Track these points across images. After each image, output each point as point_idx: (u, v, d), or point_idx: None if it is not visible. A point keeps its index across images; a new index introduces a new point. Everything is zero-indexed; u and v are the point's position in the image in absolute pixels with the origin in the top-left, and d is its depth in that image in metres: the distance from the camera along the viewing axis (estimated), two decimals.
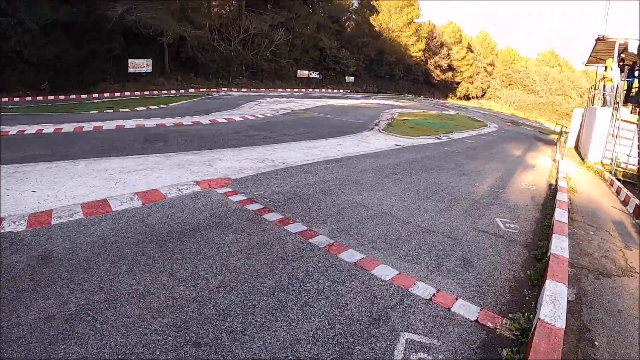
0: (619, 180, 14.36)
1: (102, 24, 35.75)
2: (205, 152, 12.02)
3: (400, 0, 67.38)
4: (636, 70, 20.34)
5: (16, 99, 30.70)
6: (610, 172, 15.21)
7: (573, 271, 6.05)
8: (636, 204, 10.63)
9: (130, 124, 16.84)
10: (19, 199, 7.14)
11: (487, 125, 32.23)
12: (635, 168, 15.77)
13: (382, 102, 43.43)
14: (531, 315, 4.51)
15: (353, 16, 73.43)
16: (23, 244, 5.47)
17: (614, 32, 19.42)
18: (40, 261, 5.03)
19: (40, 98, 31.74)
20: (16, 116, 20.77)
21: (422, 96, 73.89)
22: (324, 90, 56.60)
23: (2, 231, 5.85)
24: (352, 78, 63.88)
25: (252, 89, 46.73)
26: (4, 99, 29.83)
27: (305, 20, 56.36)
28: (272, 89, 49.29)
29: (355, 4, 73.59)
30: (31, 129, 15.04)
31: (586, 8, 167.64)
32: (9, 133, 14.48)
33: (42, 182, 8.25)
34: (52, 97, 32.28)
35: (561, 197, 9.79)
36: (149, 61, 40.59)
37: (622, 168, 15.88)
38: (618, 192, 12.62)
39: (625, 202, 11.56)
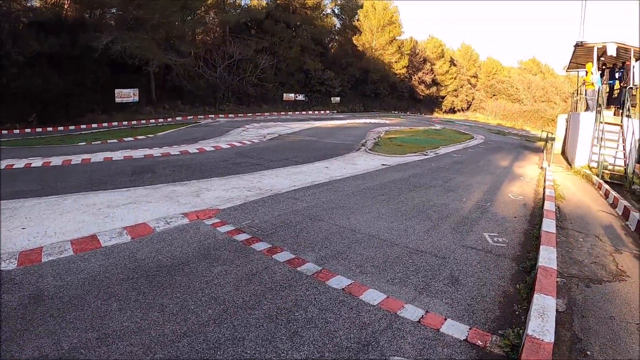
0: (606, 182, 14.48)
1: (88, 55, 35.96)
2: (193, 182, 12.03)
3: (382, 19, 67.96)
4: (616, 72, 20.57)
5: (4, 131, 30.68)
6: (597, 175, 15.33)
7: (563, 281, 6.10)
8: (625, 206, 10.72)
9: (118, 155, 16.90)
10: (9, 236, 7.14)
11: (473, 137, 32.33)
12: (622, 169, 15.90)
13: (368, 121, 43.63)
14: (521, 331, 4.51)
15: (336, 37, 73.99)
16: (14, 282, 5.49)
17: (592, 37, 19.72)
18: (32, 300, 5.04)
19: (28, 130, 31.78)
20: (4, 150, 20.73)
21: (408, 112, 74.23)
22: (310, 112, 56.76)
23: None
24: (338, 98, 64.14)
25: (239, 115, 46.87)
26: None
27: (289, 44, 56.74)
28: (259, 114, 49.44)
29: (338, 25, 74.26)
30: (19, 163, 15.11)
31: (564, 14, 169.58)
32: None
33: (32, 218, 8.26)
34: (40, 129, 32.28)
35: (548, 206, 9.87)
36: (136, 90, 40.86)
37: (609, 170, 16.04)
38: (606, 195, 12.71)
39: (614, 205, 11.66)
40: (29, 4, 39.04)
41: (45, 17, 37.19)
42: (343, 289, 5.53)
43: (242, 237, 7.34)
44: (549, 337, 4.15)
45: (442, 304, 5.26)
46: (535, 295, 4.95)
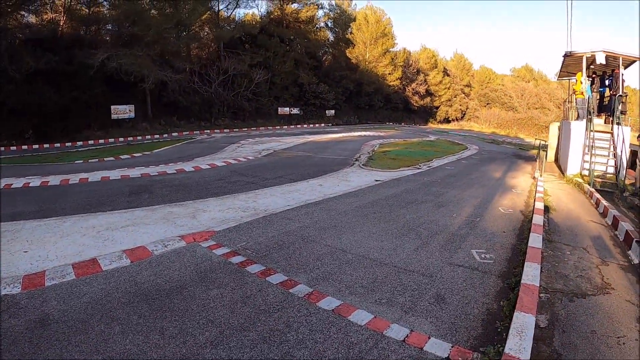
0: (598, 190, 14.67)
1: (84, 72, 36.12)
2: (189, 202, 12.17)
3: (375, 31, 68.23)
4: (606, 80, 20.85)
5: (1, 148, 30.79)
6: (589, 184, 15.51)
7: (547, 296, 6.23)
8: (614, 216, 10.90)
9: (115, 174, 16.99)
10: (12, 260, 7.31)
11: (467, 148, 32.52)
12: (614, 176, 16.11)
13: (363, 133, 43.75)
14: (501, 348, 4.63)
15: (329, 50, 74.11)
16: (20, 307, 5.63)
17: (581, 46, 19.99)
18: (38, 324, 5.18)
19: (25, 147, 31.78)
20: (2, 168, 20.86)
21: (402, 123, 74.25)
22: (305, 125, 56.78)
23: None
24: (332, 111, 64.22)
25: (234, 130, 46.91)
26: None
27: (283, 58, 56.85)
28: (254, 128, 49.47)
29: (331, 38, 74.46)
30: (18, 183, 15.27)
31: (556, 20, 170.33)
32: None
33: (33, 241, 8.40)
34: (36, 146, 32.32)
35: (537, 220, 10.02)
36: (132, 107, 41.01)
37: (601, 178, 16.25)
38: (597, 204, 12.86)
39: (604, 214, 11.82)
40: (25, 21, 39.25)
41: (42, 34, 37.43)
42: (333, 310, 5.69)
43: (237, 259, 7.51)
44: (525, 355, 4.34)
45: (427, 322, 5.43)
46: (515, 314, 5.13)
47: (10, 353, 4.58)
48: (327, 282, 6.60)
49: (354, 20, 70.38)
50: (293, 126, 55.14)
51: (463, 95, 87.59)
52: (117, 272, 6.90)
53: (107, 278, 6.66)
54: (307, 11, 62.43)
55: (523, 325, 4.87)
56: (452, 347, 4.90)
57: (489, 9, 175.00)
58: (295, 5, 61.79)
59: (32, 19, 40.31)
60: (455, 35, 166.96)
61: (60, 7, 40.33)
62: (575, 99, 20.46)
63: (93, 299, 5.92)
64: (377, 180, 16.11)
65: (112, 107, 39.64)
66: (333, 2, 74.26)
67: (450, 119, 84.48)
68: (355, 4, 76.35)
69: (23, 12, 38.64)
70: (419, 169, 19.88)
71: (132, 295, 6.05)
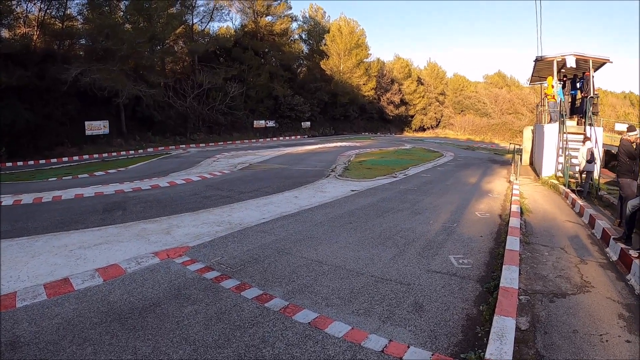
0: (573, 191, 14.80)
1: (57, 87, 35.72)
2: (164, 218, 12.01)
3: (348, 42, 68.62)
4: (577, 82, 21.14)
5: None
6: (564, 185, 15.63)
7: (527, 298, 6.23)
8: (590, 215, 11.00)
9: (89, 191, 16.72)
10: None
11: (442, 155, 32.84)
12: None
13: (339, 144, 43.96)
14: (482, 353, 4.57)
15: (304, 62, 74.45)
16: None
17: (551, 51, 20.21)
18: (9, 347, 5.04)
19: None
20: None
21: (379, 133, 74.82)
22: (281, 138, 56.87)
23: None
24: (308, 123, 64.42)
25: (210, 144, 46.79)
26: None
27: (258, 71, 56.94)
28: (230, 142, 49.44)
29: (306, 50, 74.79)
30: None
31: (526, 26, 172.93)
32: None
33: (4, 261, 8.20)
34: (10, 164, 31.81)
35: (513, 222, 10.07)
36: (106, 122, 40.70)
37: (575, 178, 16.39)
38: (573, 204, 13.00)
39: (580, 214, 11.95)
40: None
41: (14, 48, 36.85)
42: (309, 323, 5.58)
43: (212, 274, 7.39)
44: (507, 358, 4.28)
45: (406, 331, 5.34)
46: (495, 318, 5.08)
47: None
48: (303, 295, 6.50)
49: (328, 32, 70.86)
50: (269, 139, 55.19)
51: (437, 103, 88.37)
52: (89, 292, 6.74)
53: (79, 298, 6.50)
54: (281, 24, 62.59)
55: (503, 329, 4.82)
56: (432, 355, 4.82)
57: (461, 16, 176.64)
58: (269, 18, 61.95)
59: (4, 33, 39.78)
60: (428, 44, 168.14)
61: (33, 22, 39.92)
62: (548, 102, 20.71)
63: (65, 319, 5.76)
64: (353, 190, 16.10)
65: (86, 122, 39.30)
66: (307, 14, 74.89)
67: (425, 127, 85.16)
68: (329, 16, 76.64)
69: None
70: (395, 177, 19.94)
71: (104, 315, 5.90)
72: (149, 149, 41.09)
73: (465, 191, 16.41)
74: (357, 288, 6.73)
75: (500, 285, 6.09)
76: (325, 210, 12.76)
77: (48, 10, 39.97)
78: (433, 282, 6.97)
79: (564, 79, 22.34)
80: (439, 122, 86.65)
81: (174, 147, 43.39)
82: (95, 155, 36.49)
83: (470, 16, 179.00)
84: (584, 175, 15.76)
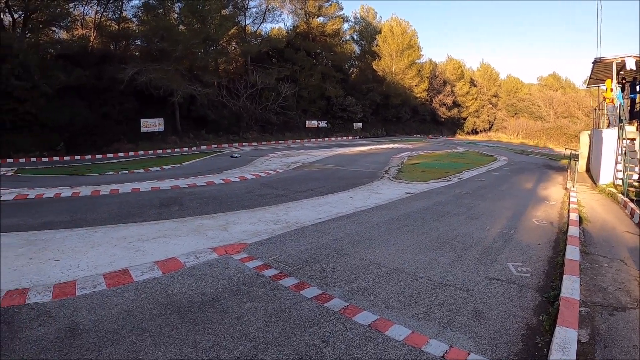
0: (632, 200, 14.32)
1: (114, 86, 37.20)
2: (220, 215, 12.21)
3: (401, 43, 68.26)
4: (637, 85, 20.50)
5: (32, 159, 31.76)
6: (622, 194, 15.18)
7: (587, 310, 6.07)
8: None
9: (145, 186, 17.18)
10: (43, 269, 7.40)
11: (496, 159, 32.29)
12: None
13: (391, 146, 43.75)
14: None
15: (356, 63, 74.69)
16: (50, 315, 5.65)
17: (611, 52, 19.63)
18: (69, 333, 5.16)
19: (56, 158, 32.81)
20: (33, 178, 21.52)
21: (430, 135, 74.12)
22: (333, 138, 57.10)
23: (28, 302, 6.06)
24: (360, 124, 64.47)
25: (262, 143, 47.39)
26: (20, 160, 30.99)
27: (310, 71, 57.35)
28: (282, 142, 49.96)
29: (357, 51, 74.84)
30: (49, 193, 15.57)
31: (582, 25, 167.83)
32: (28, 197, 15.04)
33: (64, 251, 8.50)
34: (67, 158, 33.31)
35: (572, 231, 9.85)
36: (161, 120, 41.96)
37: (634, 187, 15.87)
38: (632, 215, 12.56)
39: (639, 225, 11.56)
40: (56, 37, 40.49)
41: (72, 49, 38.48)
42: (369, 324, 5.57)
43: (270, 272, 7.45)
44: None
45: (466, 338, 5.29)
46: (557, 328, 5.01)
47: None
48: (362, 296, 6.49)
49: (380, 32, 70.86)
50: (321, 139, 55.46)
51: (490, 105, 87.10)
52: (148, 283, 6.90)
53: (139, 289, 6.66)
54: (333, 24, 62.82)
55: (565, 340, 4.76)
56: None
57: (513, 16, 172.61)
58: (321, 19, 62.35)
59: (63, 34, 41.46)
60: (481, 44, 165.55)
61: (90, 24, 41.48)
62: (606, 106, 20.16)
63: (124, 309, 5.92)
64: (407, 193, 15.97)
65: (142, 120, 40.59)
66: (358, 15, 75.11)
67: (478, 130, 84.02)
68: (381, 17, 76.50)
69: (54, 28, 39.96)
70: (449, 181, 19.72)
71: (164, 307, 6.02)
72: (202, 147, 42.00)
73: (521, 197, 16.12)
74: (416, 292, 6.69)
75: (561, 295, 6.00)
76: (381, 212, 12.69)
77: (104, 13, 41.60)
78: (492, 289, 6.88)
79: (623, 81, 21.69)
80: (492, 125, 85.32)
81: (226, 145, 44.21)
82: (150, 152, 37.59)
83: (524, 15, 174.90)
84: None
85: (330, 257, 8.40)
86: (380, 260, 8.20)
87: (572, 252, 8.09)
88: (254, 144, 46.55)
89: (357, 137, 60.89)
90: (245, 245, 9.11)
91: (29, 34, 37.01)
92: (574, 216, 11.62)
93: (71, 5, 39.36)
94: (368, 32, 74.06)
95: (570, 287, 6.27)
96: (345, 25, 69.44)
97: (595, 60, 20.58)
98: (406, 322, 5.68)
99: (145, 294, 6.48)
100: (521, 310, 6.17)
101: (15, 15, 36.17)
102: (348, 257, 8.41)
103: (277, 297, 6.45)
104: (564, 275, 6.75)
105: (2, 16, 35.35)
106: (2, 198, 14.84)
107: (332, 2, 61.69)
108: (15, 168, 26.73)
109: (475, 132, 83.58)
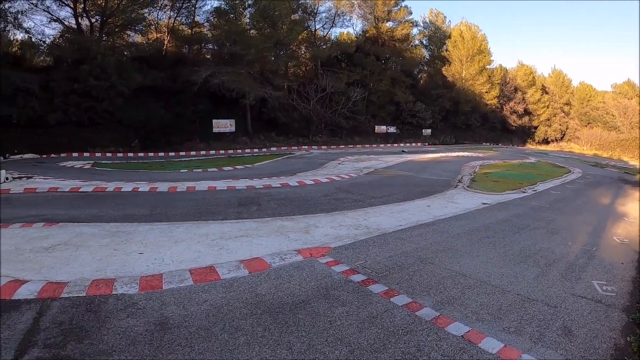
0: None
1: (188, 88, 38.44)
2: (299, 217, 12.50)
3: (471, 48, 67.33)
4: None
5: (108, 154, 33.40)
6: None
7: None
8: None
9: (220, 185, 17.72)
10: (127, 261, 7.80)
11: (570, 171, 31.58)
12: None
13: (461, 154, 43.39)
14: None
15: (425, 68, 74.04)
16: (138, 307, 5.95)
17: None
18: (158, 327, 5.42)
19: (130, 154, 34.15)
20: (110, 172, 22.57)
21: (500, 144, 72.69)
22: (402, 144, 56.81)
23: (115, 292, 6.38)
24: (429, 131, 63.92)
25: (331, 146, 47.70)
26: (97, 154, 32.65)
27: (379, 76, 57.28)
28: (351, 146, 50.14)
29: (427, 56, 74.20)
30: (127, 187, 16.36)
31: None
32: (106, 189, 15.85)
33: (147, 244, 8.93)
34: (141, 154, 34.57)
35: None
36: (232, 121, 43.17)
37: None
38: None
39: None
40: (131, 40, 42.42)
41: (147, 52, 40.19)
42: (462, 335, 5.65)
43: (358, 277, 7.59)
44: None
45: (557, 355, 5.34)
46: None
47: (128, 353, 4.83)
48: (452, 307, 6.57)
49: (449, 37, 69.99)
50: (390, 145, 55.36)
51: (562, 114, 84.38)
52: (235, 282, 7.12)
53: (227, 287, 6.88)
54: (402, 29, 62.45)
55: None
56: None
57: (584, 21, 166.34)
58: (390, 24, 62.15)
59: (138, 38, 43.49)
60: (553, 50, 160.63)
61: (164, 28, 43.06)
62: None
63: (214, 306, 6.12)
64: (484, 204, 15.90)
65: (214, 121, 41.83)
66: (427, 20, 74.47)
67: (549, 139, 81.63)
68: (450, 21, 75.54)
69: (129, 32, 41.96)
70: (524, 192, 19.47)
71: (253, 307, 6.18)
72: (272, 148, 42.76)
73: (599, 212, 15.87)
74: (505, 305, 6.75)
75: None
76: (460, 222, 12.71)
77: (177, 18, 43.00)
78: (579, 307, 6.88)
79: None
80: (564, 134, 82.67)
81: (296, 147, 44.78)
82: (222, 151, 38.59)
83: (598, 19, 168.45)
84: None
85: (416, 265, 8.51)
86: (465, 271, 8.28)
87: None
88: (323, 147, 46.94)
89: (426, 144, 60.41)
90: (329, 249, 9.31)
91: (105, 38, 38.79)
92: None
93: (145, 10, 41.25)
94: (437, 36, 73.29)
95: None
96: (414, 30, 68.93)
97: None
98: (498, 335, 5.75)
99: (233, 292, 6.71)
100: (609, 330, 6.18)
101: (93, 20, 38.04)
102: (433, 266, 8.52)
103: (368, 303, 6.58)
104: None
105: (80, 21, 37.27)
106: (81, 190, 15.75)
107: (401, 6, 61.36)
108: (92, 162, 28.03)
109: (546, 141, 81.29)
